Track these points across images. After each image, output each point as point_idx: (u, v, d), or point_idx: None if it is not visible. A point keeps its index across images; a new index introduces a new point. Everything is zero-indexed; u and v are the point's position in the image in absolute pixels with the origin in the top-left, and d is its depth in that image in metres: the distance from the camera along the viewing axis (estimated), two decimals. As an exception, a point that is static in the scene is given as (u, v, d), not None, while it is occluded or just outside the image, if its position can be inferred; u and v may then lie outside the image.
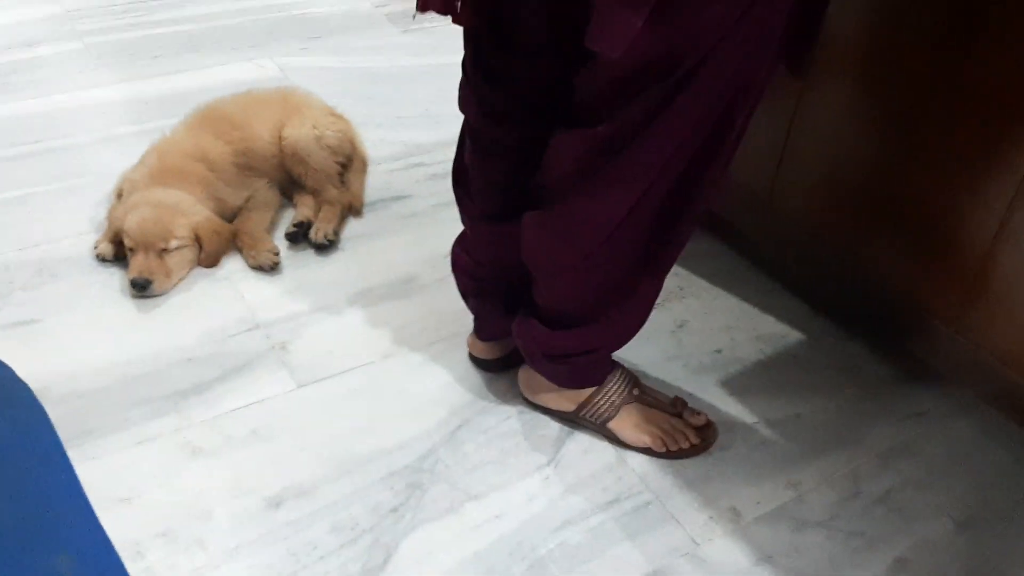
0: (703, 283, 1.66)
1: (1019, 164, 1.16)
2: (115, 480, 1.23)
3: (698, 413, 1.33)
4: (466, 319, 1.43)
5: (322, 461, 1.28)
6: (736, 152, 1.11)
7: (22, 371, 1.34)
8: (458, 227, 1.33)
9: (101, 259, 1.61)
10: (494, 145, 1.19)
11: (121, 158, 1.79)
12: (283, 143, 1.75)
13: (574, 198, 1.10)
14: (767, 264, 1.68)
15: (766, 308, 1.61)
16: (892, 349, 1.51)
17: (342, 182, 1.77)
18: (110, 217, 1.63)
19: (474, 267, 1.33)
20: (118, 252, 1.60)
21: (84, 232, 1.68)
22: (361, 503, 1.23)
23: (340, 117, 1.85)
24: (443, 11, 1.07)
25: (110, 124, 2.01)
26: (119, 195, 1.68)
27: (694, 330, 1.55)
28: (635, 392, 1.33)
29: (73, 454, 1.24)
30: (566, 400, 1.33)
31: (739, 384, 1.45)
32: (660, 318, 1.55)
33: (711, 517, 1.24)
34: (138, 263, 1.54)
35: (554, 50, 1.06)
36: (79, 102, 2.09)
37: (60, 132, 1.98)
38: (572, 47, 1.02)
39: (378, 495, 1.24)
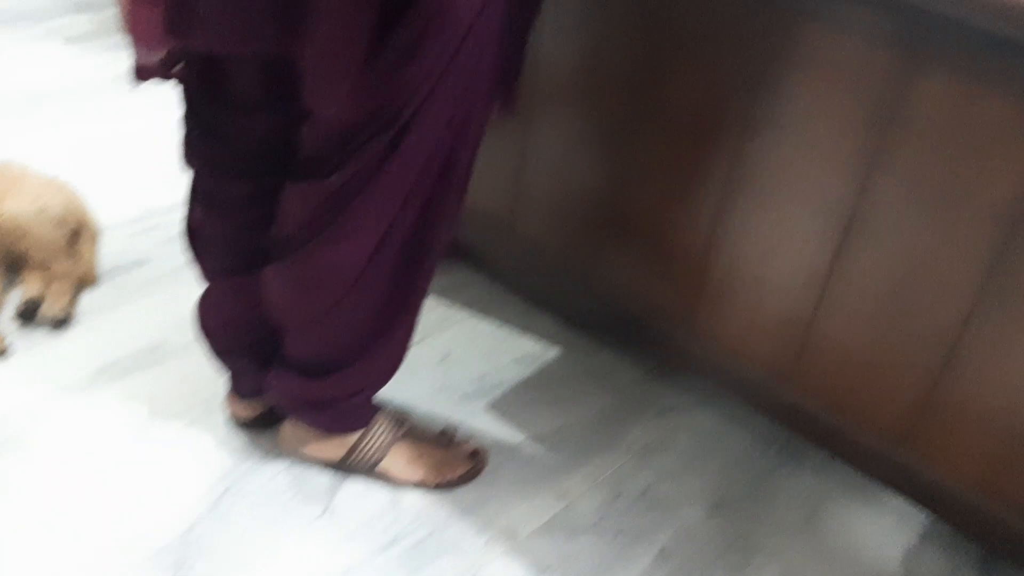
0: (463, 313, 1.70)
1: (719, 176, 1.28)
2: None
3: (466, 441, 1.36)
4: (221, 380, 1.38)
5: (82, 545, 1.19)
6: (467, 188, 1.15)
7: None
8: (201, 288, 1.29)
9: None
10: (223, 200, 1.17)
11: None
12: (1, 219, 1.61)
13: (313, 248, 1.10)
14: (520, 287, 1.75)
15: (524, 329, 1.67)
16: (639, 352, 1.62)
17: (72, 253, 1.66)
18: None
19: (221, 325, 1.29)
20: None
21: None
22: (124, 591, 1.15)
23: (63, 185, 1.74)
24: (163, 76, 1.05)
25: None
26: None
27: (458, 359, 1.58)
28: (403, 429, 1.33)
29: None
30: (333, 448, 1.31)
31: (505, 406, 1.49)
32: (423, 352, 1.58)
33: (489, 540, 1.26)
34: None
35: (273, 106, 1.06)
36: None
37: None
38: (291, 102, 1.03)
39: (142, 579, 1.17)
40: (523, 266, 1.69)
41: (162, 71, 1.04)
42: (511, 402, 1.50)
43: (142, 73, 1.05)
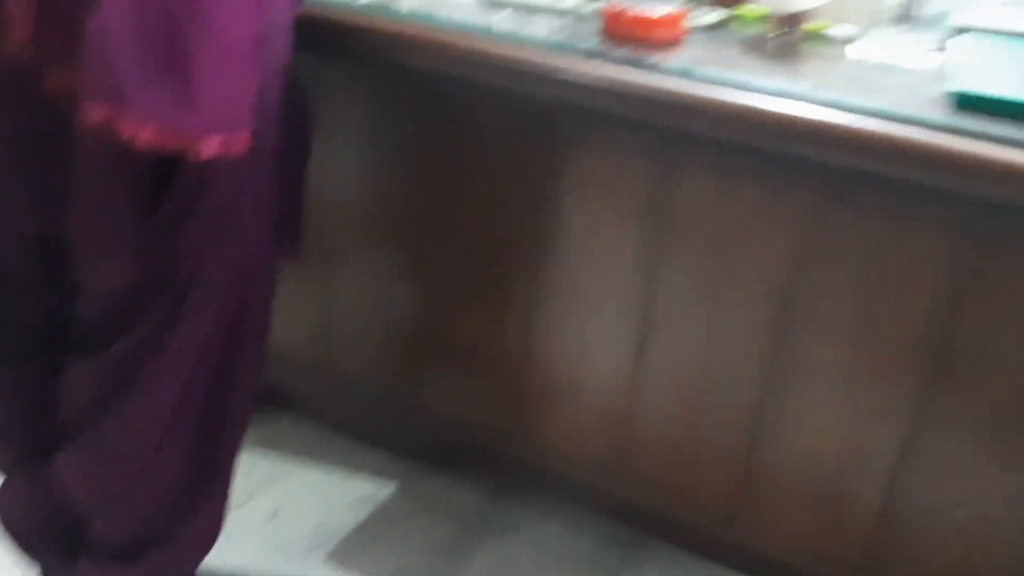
0: (291, 465, 1.65)
1: (521, 290, 1.33)
2: None
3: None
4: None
5: None
6: (266, 336, 1.14)
7: None
8: None
9: None
10: (5, 389, 1.10)
11: None
12: None
13: (104, 424, 1.05)
14: (346, 426, 1.71)
15: (356, 469, 1.63)
16: (475, 474, 1.61)
17: None
18: None
19: (23, 518, 1.20)
20: None
21: None
22: None
23: None
24: None
25: None
26: None
27: (290, 514, 1.52)
28: (233, 600, 1.26)
29: None
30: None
31: (344, 554, 1.44)
32: (251, 512, 1.51)
33: None
34: None
35: (42, 281, 1.03)
36: None
37: None
38: (63, 276, 1.00)
39: None
40: (346, 405, 1.66)
41: None
42: (350, 549, 1.45)
43: None
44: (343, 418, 1.71)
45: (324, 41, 1.12)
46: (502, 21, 1.17)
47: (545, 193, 1.25)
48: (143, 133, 0.85)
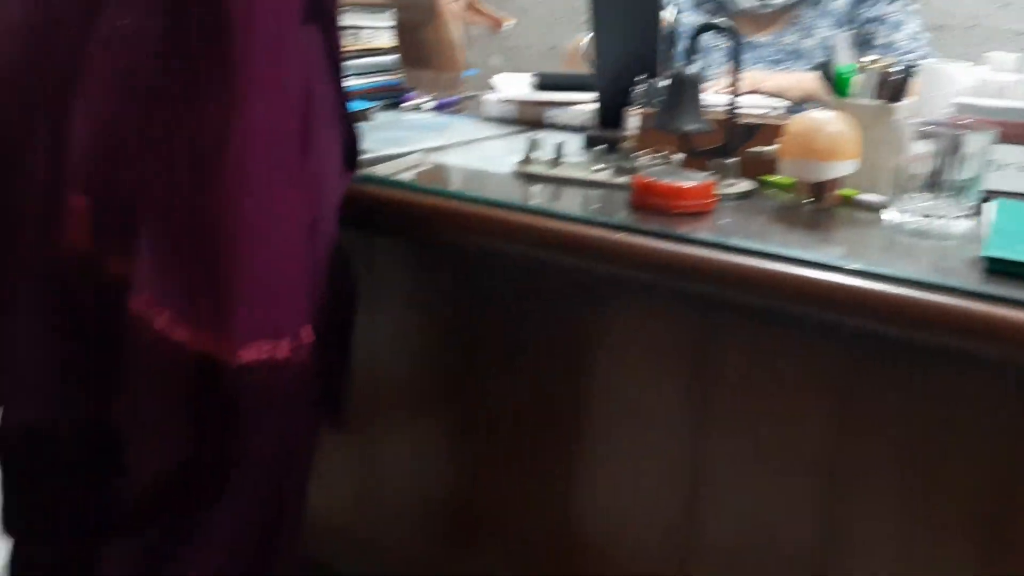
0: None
1: (562, 456, 1.30)
2: None
3: None
4: None
5: None
6: (303, 511, 1.13)
7: None
8: None
9: None
10: (44, 567, 1.10)
11: None
12: None
13: None
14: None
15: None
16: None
17: None
18: None
19: None
20: None
21: None
22: None
23: None
24: None
25: None
26: None
27: None
28: None
29: None
30: None
31: None
32: None
33: None
34: None
35: (87, 463, 1.04)
36: None
37: None
38: (107, 458, 1.01)
39: None
40: (384, 577, 1.62)
41: None
42: None
43: None
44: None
45: (365, 216, 1.16)
46: (535, 194, 1.21)
47: (583, 361, 1.25)
48: (177, 332, 0.87)
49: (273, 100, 0.90)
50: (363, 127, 1.23)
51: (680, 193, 1.11)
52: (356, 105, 1.33)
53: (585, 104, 1.53)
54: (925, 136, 1.09)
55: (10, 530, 1.11)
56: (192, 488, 0.97)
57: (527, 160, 1.27)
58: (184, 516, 0.99)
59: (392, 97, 1.69)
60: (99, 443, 1.01)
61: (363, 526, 1.55)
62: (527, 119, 1.59)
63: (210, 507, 0.99)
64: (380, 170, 1.26)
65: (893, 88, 1.25)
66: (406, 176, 1.25)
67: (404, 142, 1.40)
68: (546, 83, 1.66)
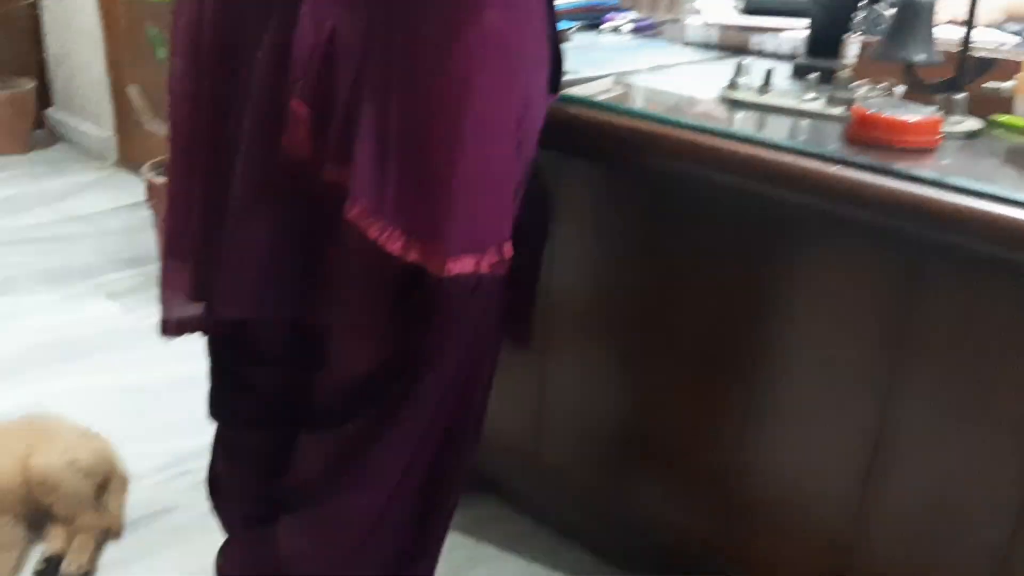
0: (492, 550, 1.64)
1: (737, 399, 1.27)
2: None
3: None
4: (240, 635, 1.32)
5: None
6: (482, 422, 1.15)
7: None
8: (223, 536, 1.27)
9: None
10: (244, 450, 1.18)
11: None
12: (30, 473, 1.63)
13: (328, 497, 1.09)
14: (550, 520, 1.69)
15: (555, 566, 1.60)
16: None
17: (99, 505, 1.66)
18: None
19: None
20: None
21: None
22: None
23: (95, 436, 1.76)
24: (187, 332, 1.12)
25: None
26: None
27: (485, 601, 1.51)
28: None
29: None
30: None
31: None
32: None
33: None
34: None
35: (291, 359, 1.10)
36: None
37: None
38: (310, 353, 1.06)
39: None
40: (551, 498, 1.64)
41: (179, 328, 1.10)
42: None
43: (167, 328, 1.10)
44: (545, 512, 1.69)
45: (561, 137, 1.14)
46: (742, 121, 1.16)
47: (774, 300, 1.20)
48: (390, 242, 0.89)
49: (503, 10, 0.88)
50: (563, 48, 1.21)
51: (903, 128, 1.03)
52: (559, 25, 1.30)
53: (795, 31, 1.44)
54: None
55: (215, 415, 1.20)
56: (387, 387, 1.01)
57: (733, 86, 1.21)
58: (377, 414, 1.03)
59: (591, 18, 1.65)
60: (302, 340, 1.07)
61: (533, 446, 1.57)
62: (731, 45, 1.53)
63: (401, 407, 1.02)
64: (578, 91, 1.24)
65: None
66: (605, 98, 1.22)
67: (603, 64, 1.37)
68: (753, 7, 1.58)
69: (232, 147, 0.96)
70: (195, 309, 1.10)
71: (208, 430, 1.71)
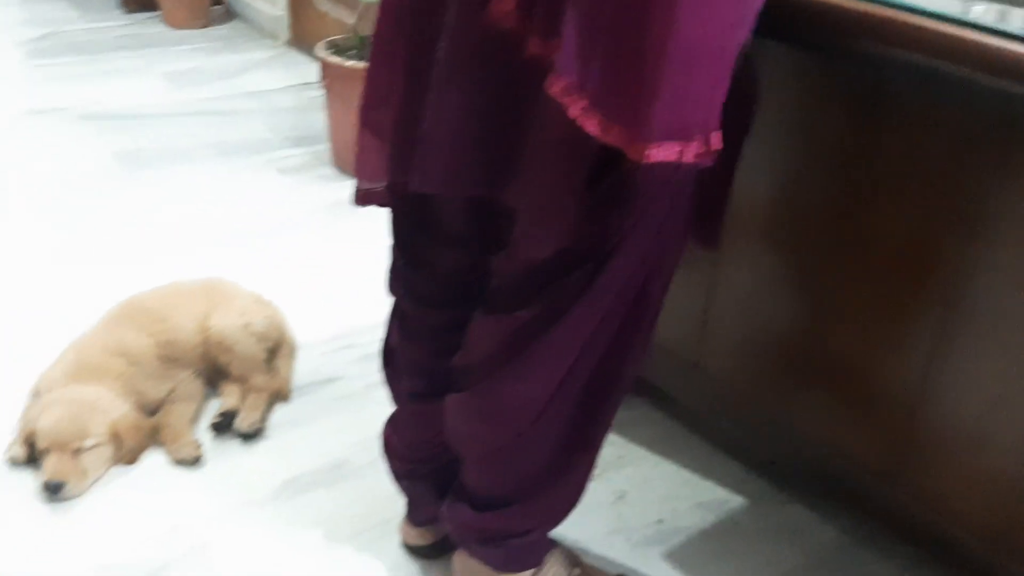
0: (641, 451, 1.64)
1: (931, 320, 1.19)
2: None
3: (643, 590, 1.28)
4: (399, 504, 1.37)
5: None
6: (656, 322, 1.12)
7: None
8: (389, 408, 1.30)
9: (13, 463, 1.54)
10: (419, 327, 1.19)
11: (43, 356, 1.75)
12: (208, 332, 1.72)
13: (497, 380, 1.09)
14: (702, 428, 1.67)
15: (705, 473, 1.58)
16: (834, 510, 1.49)
17: (270, 368, 1.74)
18: (25, 418, 1.56)
19: (405, 449, 1.30)
20: (31, 455, 1.53)
21: (-4, 435, 1.61)
22: None
23: (268, 303, 1.85)
24: (383, 204, 1.12)
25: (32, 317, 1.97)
26: (35, 395, 1.62)
27: (634, 501, 1.51)
28: (576, 572, 1.27)
29: None
30: (504, 585, 1.27)
31: (684, 555, 1.40)
32: (599, 490, 1.52)
33: None
34: (51, 465, 1.46)
35: (475, 239, 1.09)
36: None
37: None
38: (492, 235, 1.05)
39: None
40: (707, 406, 1.61)
41: (382, 198, 1.11)
42: (691, 552, 1.41)
43: (362, 199, 1.12)
44: (701, 419, 1.66)
45: (774, 21, 1.05)
46: (981, 13, 1.04)
47: (988, 217, 1.09)
48: (589, 123, 0.85)
49: None
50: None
51: None
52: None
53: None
54: None
55: (392, 291, 1.21)
56: (567, 276, 0.99)
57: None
58: (553, 302, 1.02)
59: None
60: (486, 221, 1.05)
61: (694, 352, 1.54)
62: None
63: (579, 297, 1.00)
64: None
65: None
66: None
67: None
68: None
69: (438, 22, 0.94)
70: (384, 182, 1.10)
71: (374, 306, 1.76)
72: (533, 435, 1.12)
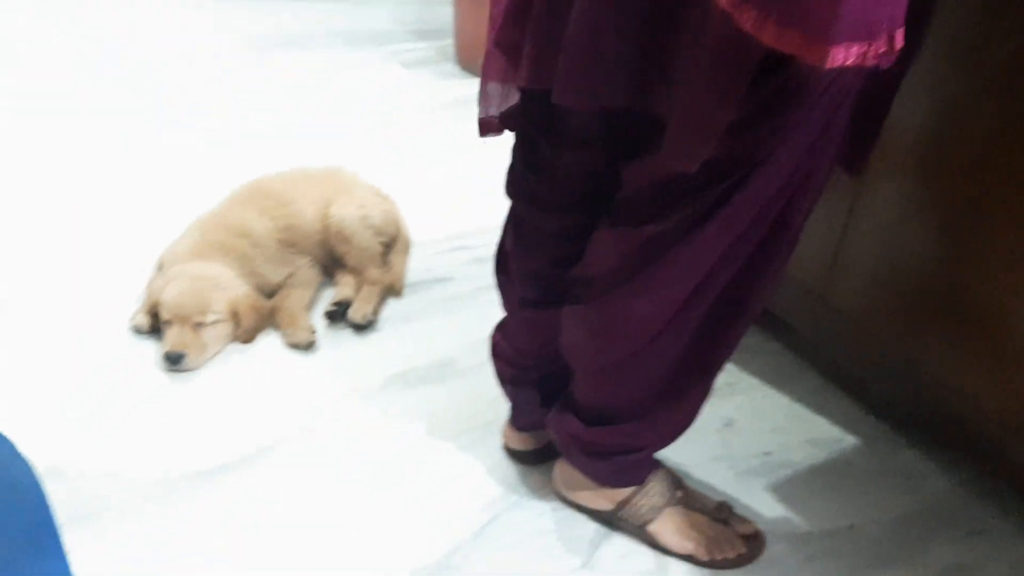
0: (752, 380, 1.59)
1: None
2: (117, 568, 1.18)
3: (746, 521, 1.25)
4: (502, 407, 1.37)
5: (346, 553, 1.22)
6: (793, 250, 1.06)
7: (45, 444, 1.32)
8: (499, 312, 1.29)
9: (137, 331, 1.60)
10: (537, 233, 1.16)
11: (168, 230, 1.80)
12: (328, 221, 1.73)
13: (617, 295, 1.06)
14: (820, 362, 1.61)
15: (818, 409, 1.53)
16: (953, 458, 1.42)
17: (384, 262, 1.75)
18: (149, 289, 1.62)
19: (513, 354, 1.29)
20: (154, 325, 1.58)
21: (123, 303, 1.67)
22: (383, 600, 1.16)
23: (386, 198, 1.85)
24: (502, 131, 1.09)
25: (161, 194, 2.02)
26: (160, 267, 1.68)
27: (742, 430, 1.48)
28: (678, 494, 1.25)
29: (77, 536, 1.20)
30: (604, 499, 1.26)
31: (789, 490, 1.37)
32: (706, 415, 1.45)
33: (757, 636, 1.15)
34: (173, 336, 1.52)
35: (605, 143, 1.04)
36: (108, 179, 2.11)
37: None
38: (624, 140, 1.00)
39: (402, 592, 1.17)
40: (827, 340, 1.54)
41: (500, 127, 1.07)
42: (797, 487, 1.37)
43: (485, 127, 1.09)
44: (820, 352, 1.60)
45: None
46: None
47: None
48: (764, 32, 0.78)
49: None
50: None
51: None
52: None
53: None
54: None
55: (511, 194, 1.18)
56: (706, 190, 0.94)
57: None
58: (687, 217, 0.97)
59: None
60: (618, 127, 1.00)
61: (821, 284, 1.46)
62: None
63: (716, 212, 0.95)
64: None
65: None
66: None
67: None
68: None
69: None
70: (511, 102, 1.06)
71: (489, 210, 1.73)
72: (649, 355, 1.09)
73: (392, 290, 1.73)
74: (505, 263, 1.23)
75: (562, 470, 1.29)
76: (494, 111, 1.07)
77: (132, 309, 1.64)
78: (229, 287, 1.58)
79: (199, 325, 1.53)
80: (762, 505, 1.34)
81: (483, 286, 1.76)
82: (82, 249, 1.84)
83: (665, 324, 1.05)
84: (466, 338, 1.63)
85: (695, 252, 0.99)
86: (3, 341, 1.57)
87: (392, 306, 1.72)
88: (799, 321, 1.58)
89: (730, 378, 1.58)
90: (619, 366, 1.11)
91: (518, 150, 1.14)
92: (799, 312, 1.56)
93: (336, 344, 1.62)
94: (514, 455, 1.38)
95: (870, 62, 0.78)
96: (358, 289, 1.69)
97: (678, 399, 1.14)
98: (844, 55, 0.76)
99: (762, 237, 0.99)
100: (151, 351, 1.57)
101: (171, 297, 1.53)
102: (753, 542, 1.24)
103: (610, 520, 1.27)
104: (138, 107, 2.43)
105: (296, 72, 2.61)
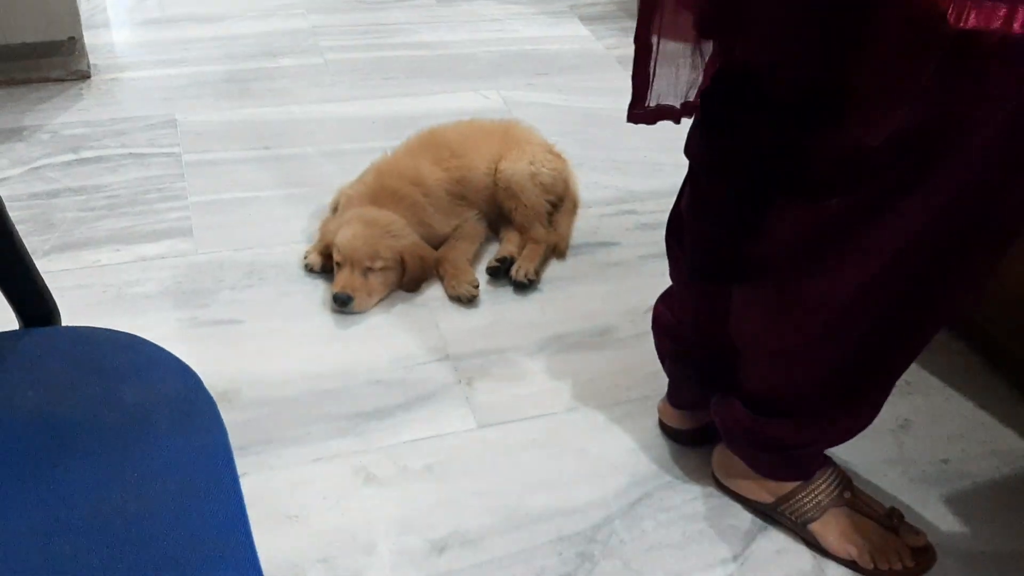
0: (933, 380, 1.48)
1: None
2: (286, 495, 1.22)
3: (917, 532, 1.17)
4: (659, 382, 1.33)
5: (492, 511, 1.22)
6: (1009, 245, 0.95)
7: (216, 370, 1.39)
8: (664, 282, 1.24)
9: (309, 269, 1.64)
10: (711, 200, 1.09)
11: (341, 173, 1.83)
12: (498, 176, 1.72)
13: (794, 275, 0.99)
14: (1011, 368, 1.47)
15: (1005, 419, 1.41)
16: None
17: (550, 222, 1.73)
18: (323, 229, 1.66)
19: (676, 328, 1.24)
20: (326, 264, 1.62)
21: (296, 241, 1.72)
22: (525, 564, 1.15)
23: (558, 156, 1.81)
24: (652, 122, 1.07)
25: (336, 139, 2.06)
26: (335, 209, 1.71)
27: (919, 433, 1.38)
28: (846, 495, 1.18)
29: (249, 461, 1.25)
30: (764, 491, 1.20)
31: (967, 504, 1.27)
32: (880, 413, 1.39)
33: (919, 656, 1.07)
34: (343, 278, 1.55)
35: (798, 109, 0.96)
36: (310, 115, 2.16)
37: (289, 141, 2.05)
38: (817, 108, 0.92)
39: (544, 559, 1.16)
40: (1023, 345, 1.42)
41: (652, 117, 1.05)
42: (976, 501, 1.27)
43: (633, 118, 1.07)
44: (1013, 358, 1.47)
45: None
46: None
47: None
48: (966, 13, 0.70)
49: None
50: None
51: None
52: None
53: None
54: None
55: (691, 155, 1.11)
56: (896, 164, 0.86)
57: None
58: (876, 192, 0.89)
59: None
60: (808, 93, 0.92)
61: (1026, 283, 1.34)
62: None
63: (908, 189, 0.87)
64: None
65: None
66: None
67: None
68: None
69: None
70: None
71: (661, 175, 1.69)
72: (824, 343, 1.02)
73: (556, 250, 1.71)
74: (678, 228, 1.17)
75: (722, 456, 1.24)
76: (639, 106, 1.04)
77: (305, 247, 1.68)
78: (399, 234, 1.59)
79: (368, 270, 1.55)
80: (935, 516, 1.24)
81: (648, 254, 1.71)
82: (264, 182, 1.90)
83: (850, 306, 0.98)
84: (627, 306, 1.59)
85: (881, 235, 0.91)
86: (180, 265, 1.64)
87: (554, 267, 1.70)
88: (992, 320, 1.45)
89: (908, 375, 1.45)
90: (792, 352, 1.05)
91: (703, 109, 1.08)
92: (992, 309, 1.43)
93: (496, 300, 1.61)
94: (669, 433, 1.34)
95: (1016, 30, 0.69)
96: (522, 247, 1.67)
97: (853, 399, 1.07)
98: (977, 17, 0.68)
99: (963, 225, 0.90)
100: (320, 291, 1.61)
101: (344, 240, 1.56)
102: (922, 556, 1.16)
103: (769, 514, 1.21)
104: (309, 55, 2.48)
105: (474, 20, 2.60)
